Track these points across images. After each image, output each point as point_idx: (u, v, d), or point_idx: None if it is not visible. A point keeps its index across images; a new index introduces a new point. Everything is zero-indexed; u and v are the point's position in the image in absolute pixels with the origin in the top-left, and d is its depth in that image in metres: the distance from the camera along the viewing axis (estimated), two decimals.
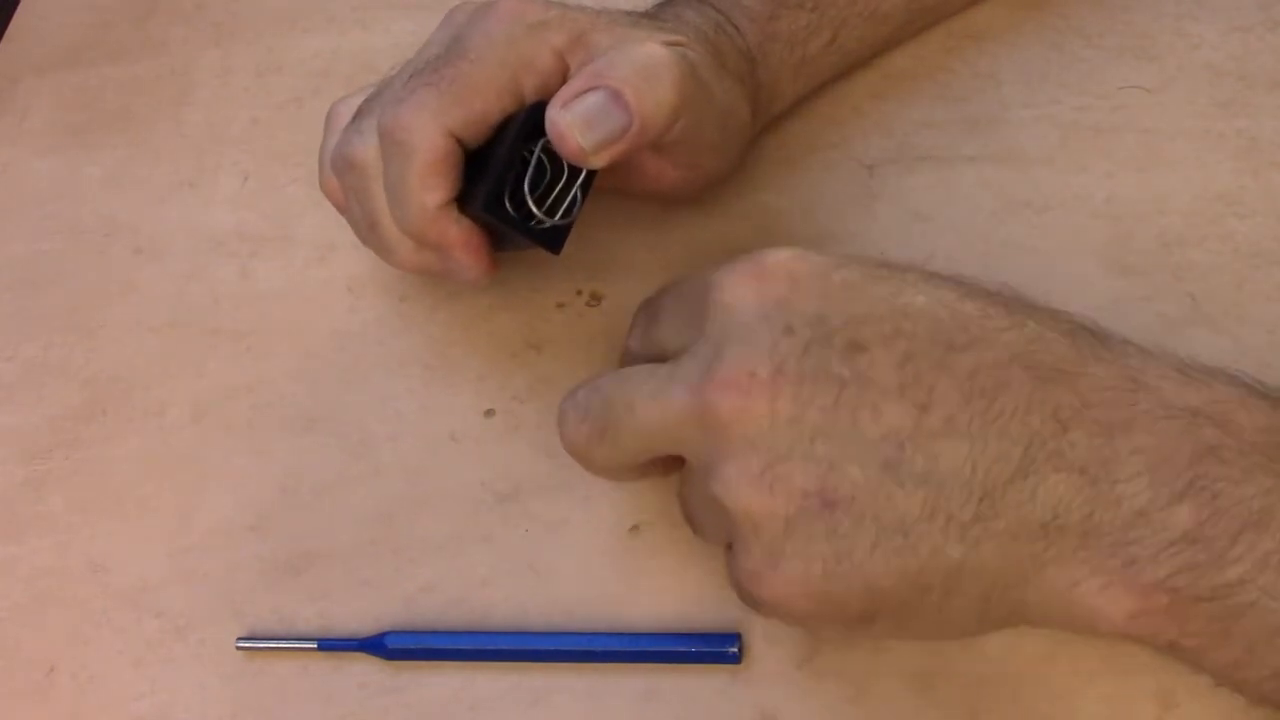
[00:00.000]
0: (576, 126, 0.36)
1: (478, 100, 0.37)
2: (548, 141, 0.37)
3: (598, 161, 0.37)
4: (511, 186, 0.38)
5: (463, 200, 0.38)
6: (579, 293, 0.46)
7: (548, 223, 0.38)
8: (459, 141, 0.38)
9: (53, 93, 0.57)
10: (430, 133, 0.37)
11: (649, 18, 0.42)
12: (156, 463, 0.44)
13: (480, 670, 0.38)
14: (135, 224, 0.51)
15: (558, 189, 0.38)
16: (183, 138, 0.54)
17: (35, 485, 0.44)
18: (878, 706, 0.36)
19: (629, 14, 0.41)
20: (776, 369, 0.29)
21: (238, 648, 0.39)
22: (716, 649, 0.37)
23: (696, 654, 0.37)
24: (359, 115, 0.40)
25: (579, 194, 0.38)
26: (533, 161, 0.38)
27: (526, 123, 0.38)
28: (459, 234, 0.39)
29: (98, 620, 0.41)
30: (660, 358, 0.33)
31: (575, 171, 0.38)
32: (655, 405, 0.31)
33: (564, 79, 0.38)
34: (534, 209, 0.38)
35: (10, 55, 0.59)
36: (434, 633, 0.39)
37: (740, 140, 0.45)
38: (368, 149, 0.39)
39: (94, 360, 0.47)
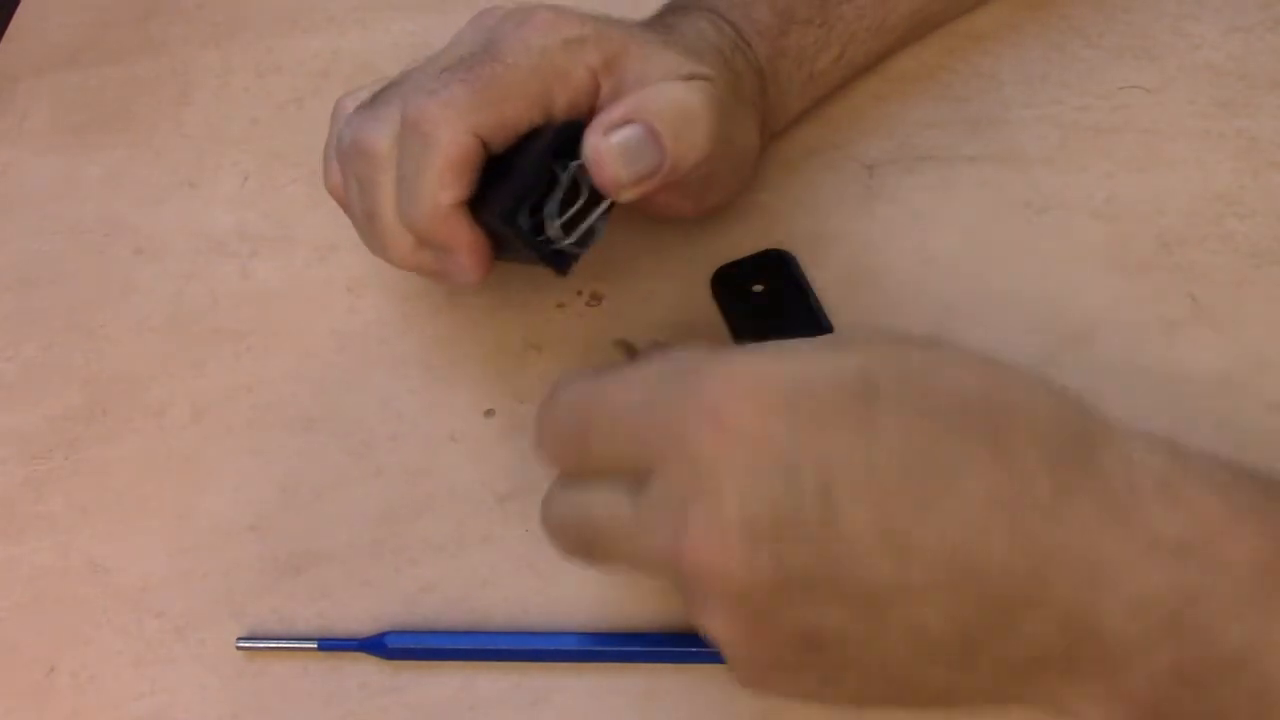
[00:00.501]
0: (617, 156, 0.36)
1: (509, 105, 0.37)
2: (576, 165, 0.37)
3: (628, 195, 0.37)
4: (531, 202, 0.37)
5: (476, 205, 0.38)
6: (579, 293, 0.46)
7: (560, 245, 0.38)
8: (483, 144, 0.37)
9: (53, 93, 0.57)
10: (457, 129, 0.36)
11: (676, 37, 0.41)
12: (156, 463, 0.44)
13: (480, 670, 0.38)
14: (135, 224, 0.51)
15: (572, 213, 0.38)
16: (183, 138, 0.54)
17: (35, 485, 0.44)
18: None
19: (659, 33, 0.41)
20: (749, 530, 0.27)
21: (238, 648, 0.39)
22: (717, 649, 0.37)
23: (696, 654, 0.37)
24: (376, 102, 0.39)
25: (598, 225, 0.38)
26: (563, 182, 0.37)
27: (556, 139, 0.37)
28: (466, 236, 0.38)
29: (98, 620, 0.41)
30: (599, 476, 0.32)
31: (596, 200, 0.38)
32: (630, 549, 0.31)
33: (595, 98, 0.38)
34: (551, 229, 0.37)
35: (10, 55, 0.59)
36: (434, 633, 0.39)
37: (750, 170, 0.45)
38: (381, 137, 0.38)
39: (94, 360, 0.47)
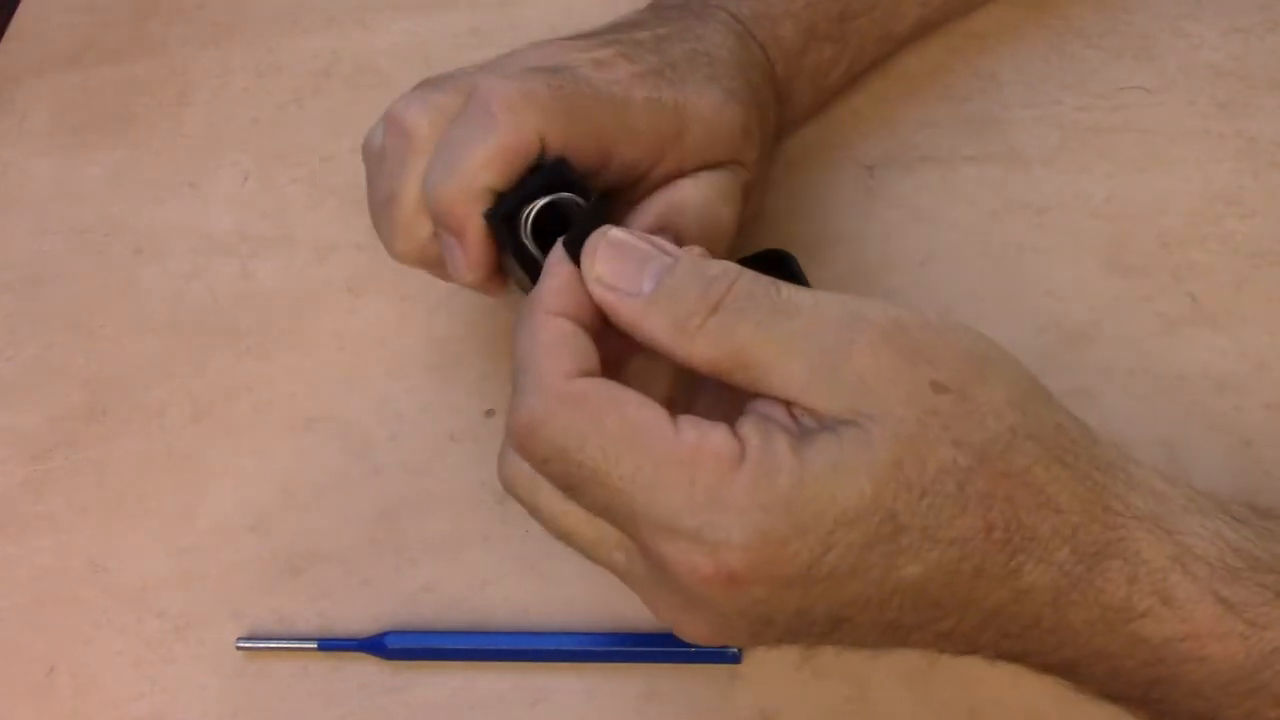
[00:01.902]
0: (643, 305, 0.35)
1: (586, 127, 0.35)
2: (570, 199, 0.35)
3: None
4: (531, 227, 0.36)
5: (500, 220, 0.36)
6: None
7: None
8: (541, 150, 0.35)
9: (53, 93, 0.57)
10: (526, 119, 0.35)
11: (714, 68, 0.40)
12: (156, 463, 0.44)
13: (480, 670, 0.38)
14: (135, 224, 0.51)
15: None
16: (183, 138, 0.54)
17: (35, 485, 0.44)
18: (877, 706, 0.36)
19: (695, 63, 0.40)
20: (755, 639, 0.30)
21: (238, 648, 0.39)
22: (716, 649, 0.37)
23: (696, 654, 0.37)
24: (438, 81, 0.38)
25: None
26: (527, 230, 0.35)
27: (551, 176, 0.35)
28: (478, 225, 0.36)
29: (98, 620, 0.41)
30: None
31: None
32: (639, 592, 0.31)
33: (650, 167, 0.37)
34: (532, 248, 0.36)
35: (10, 55, 0.59)
36: (434, 633, 0.39)
37: (759, 201, 0.44)
38: (423, 118, 0.36)
39: (94, 360, 0.47)
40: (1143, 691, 0.30)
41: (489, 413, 0.43)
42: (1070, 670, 0.31)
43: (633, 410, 0.28)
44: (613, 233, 0.31)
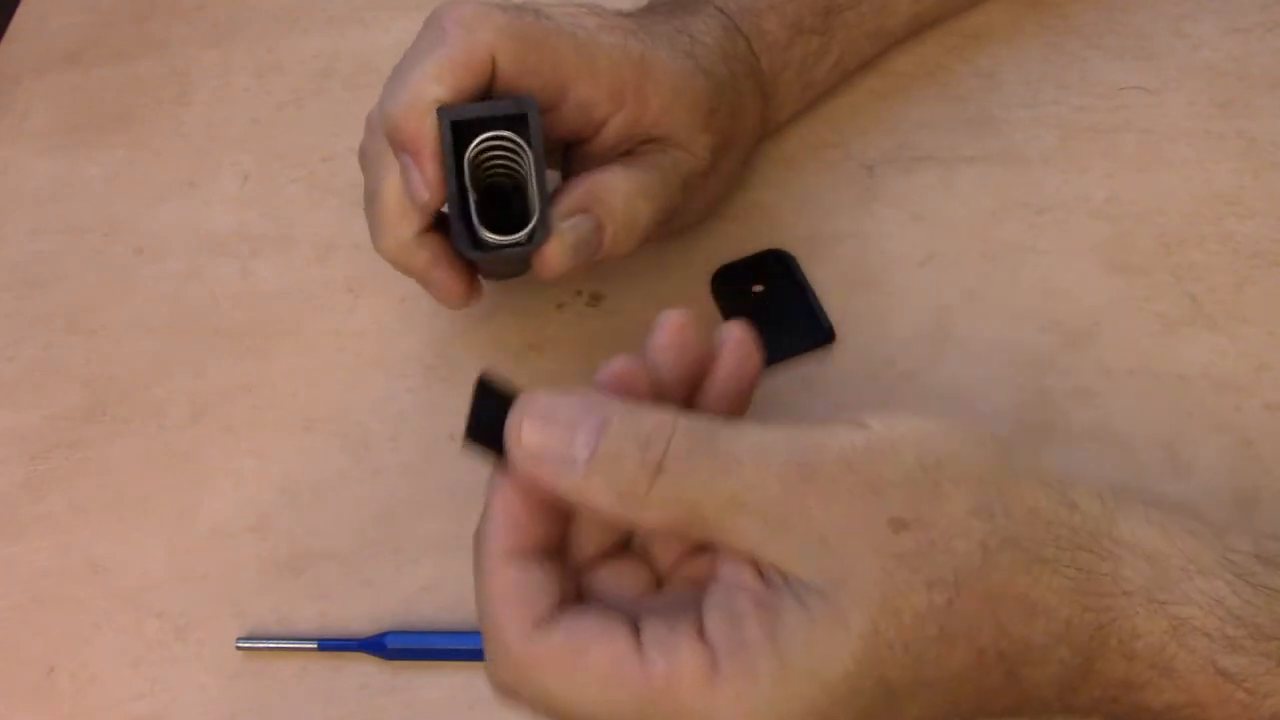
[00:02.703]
0: (567, 251, 0.36)
1: (540, 53, 0.36)
2: (484, 147, 0.35)
3: (562, 273, 0.37)
4: (474, 209, 0.35)
5: (447, 231, 0.37)
6: (579, 293, 0.46)
7: (522, 236, 0.36)
8: (493, 70, 0.35)
9: (53, 93, 0.57)
10: (477, 36, 0.35)
11: (694, 47, 0.41)
12: (156, 463, 0.44)
13: (480, 670, 0.38)
14: (135, 224, 0.51)
15: (516, 185, 0.37)
16: (183, 138, 0.54)
17: (35, 485, 0.44)
18: None
19: (675, 41, 0.40)
20: None
21: (238, 648, 0.39)
22: None
23: None
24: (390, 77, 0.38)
25: (534, 190, 0.36)
26: (469, 178, 0.35)
27: (448, 135, 0.35)
28: (433, 140, 0.35)
29: (98, 620, 0.41)
30: None
31: (523, 162, 0.36)
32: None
33: (607, 116, 0.38)
34: (489, 237, 0.35)
35: (10, 55, 0.59)
36: (434, 633, 0.39)
37: (730, 184, 0.45)
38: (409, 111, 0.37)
39: (94, 360, 0.47)
40: None
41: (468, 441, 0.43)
42: None
43: (597, 654, 0.27)
44: (536, 404, 0.29)
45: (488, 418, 0.29)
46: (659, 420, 0.28)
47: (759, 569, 0.28)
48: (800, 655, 0.26)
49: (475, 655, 0.38)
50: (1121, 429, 0.40)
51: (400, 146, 0.36)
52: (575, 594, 0.30)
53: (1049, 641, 0.28)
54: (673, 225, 0.43)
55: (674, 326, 0.32)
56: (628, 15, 0.41)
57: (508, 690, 0.29)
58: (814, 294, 0.44)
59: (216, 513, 0.43)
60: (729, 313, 0.44)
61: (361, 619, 0.40)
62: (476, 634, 0.38)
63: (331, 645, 0.39)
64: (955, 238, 0.45)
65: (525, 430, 0.28)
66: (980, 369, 0.42)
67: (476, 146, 0.35)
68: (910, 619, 0.27)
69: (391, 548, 0.41)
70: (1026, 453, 0.30)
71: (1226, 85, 0.48)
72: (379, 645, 0.38)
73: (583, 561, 0.31)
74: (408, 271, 0.40)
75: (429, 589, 0.40)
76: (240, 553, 0.42)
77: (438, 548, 0.41)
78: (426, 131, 0.35)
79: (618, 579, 0.31)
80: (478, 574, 0.30)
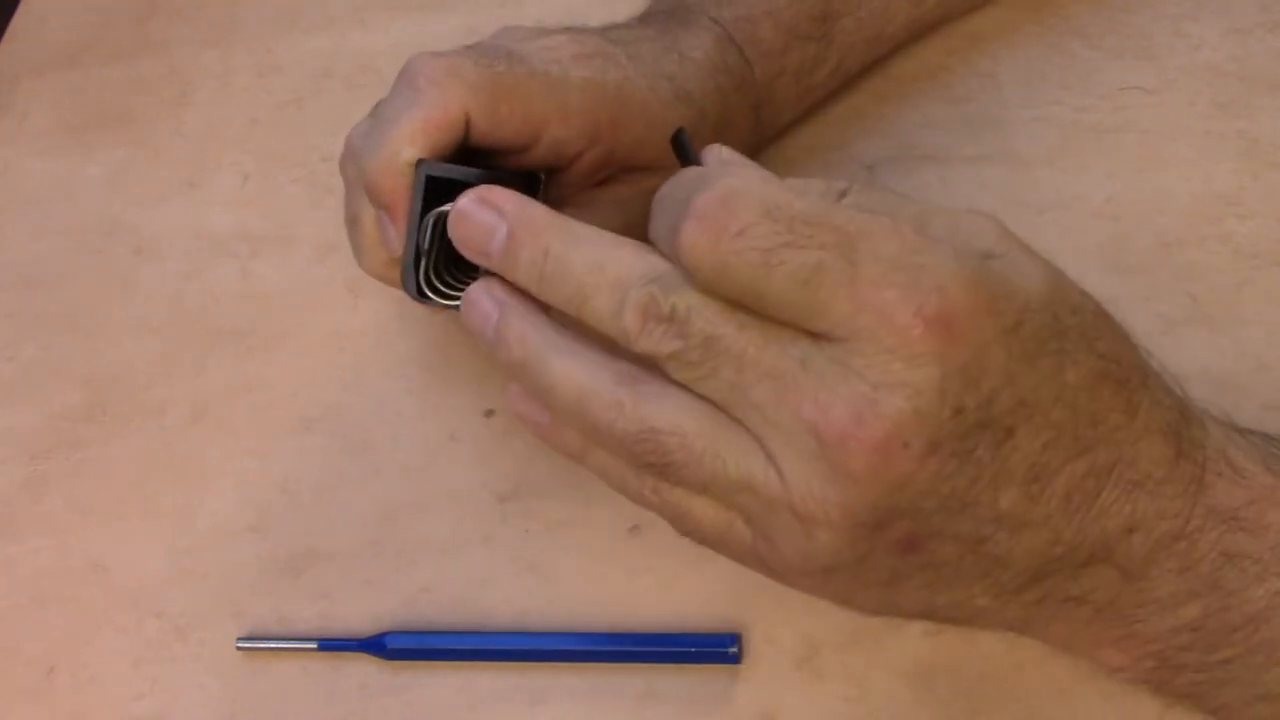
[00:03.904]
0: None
1: (513, 104, 0.36)
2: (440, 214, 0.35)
3: None
4: (426, 265, 0.35)
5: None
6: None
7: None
8: (467, 128, 0.36)
9: (53, 93, 0.57)
10: (450, 95, 0.35)
11: (676, 66, 0.41)
12: (156, 463, 0.44)
13: (480, 670, 0.38)
14: (135, 224, 0.51)
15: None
16: (183, 138, 0.54)
17: (35, 485, 0.44)
18: (878, 706, 0.36)
19: (660, 61, 0.40)
20: (932, 447, 0.26)
21: (238, 648, 0.39)
22: (716, 649, 0.37)
23: (696, 654, 0.37)
24: (373, 110, 0.39)
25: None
26: (429, 236, 0.35)
27: (421, 190, 0.35)
28: (406, 200, 0.36)
29: (98, 620, 0.41)
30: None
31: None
32: (781, 397, 0.27)
33: (580, 149, 0.38)
34: (435, 291, 0.36)
35: (10, 55, 0.59)
36: (434, 633, 0.39)
37: None
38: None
39: (94, 360, 0.47)
40: (1210, 582, 0.30)
41: (489, 413, 0.43)
42: (1146, 567, 0.30)
43: (821, 198, 0.28)
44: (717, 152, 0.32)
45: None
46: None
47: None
48: (1000, 263, 0.29)
49: (475, 655, 0.38)
50: None
51: (376, 203, 0.36)
52: None
53: (1157, 384, 0.30)
54: None
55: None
56: (614, 33, 0.40)
57: (722, 211, 0.27)
58: None
59: (216, 513, 0.43)
60: None
61: (361, 619, 0.40)
62: (476, 634, 0.39)
63: (331, 645, 0.39)
64: None
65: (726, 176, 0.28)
66: None
67: (443, 211, 0.35)
68: (1071, 298, 0.29)
69: (391, 548, 0.41)
70: None
71: (1226, 85, 0.48)
72: (379, 645, 0.38)
73: None
74: (394, 285, 0.40)
75: (429, 589, 0.40)
76: (240, 553, 0.42)
77: (438, 548, 0.41)
78: (400, 192, 0.35)
79: None
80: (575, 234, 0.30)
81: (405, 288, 0.36)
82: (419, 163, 0.35)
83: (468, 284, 0.34)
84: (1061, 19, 0.51)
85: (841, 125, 0.49)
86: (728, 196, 0.26)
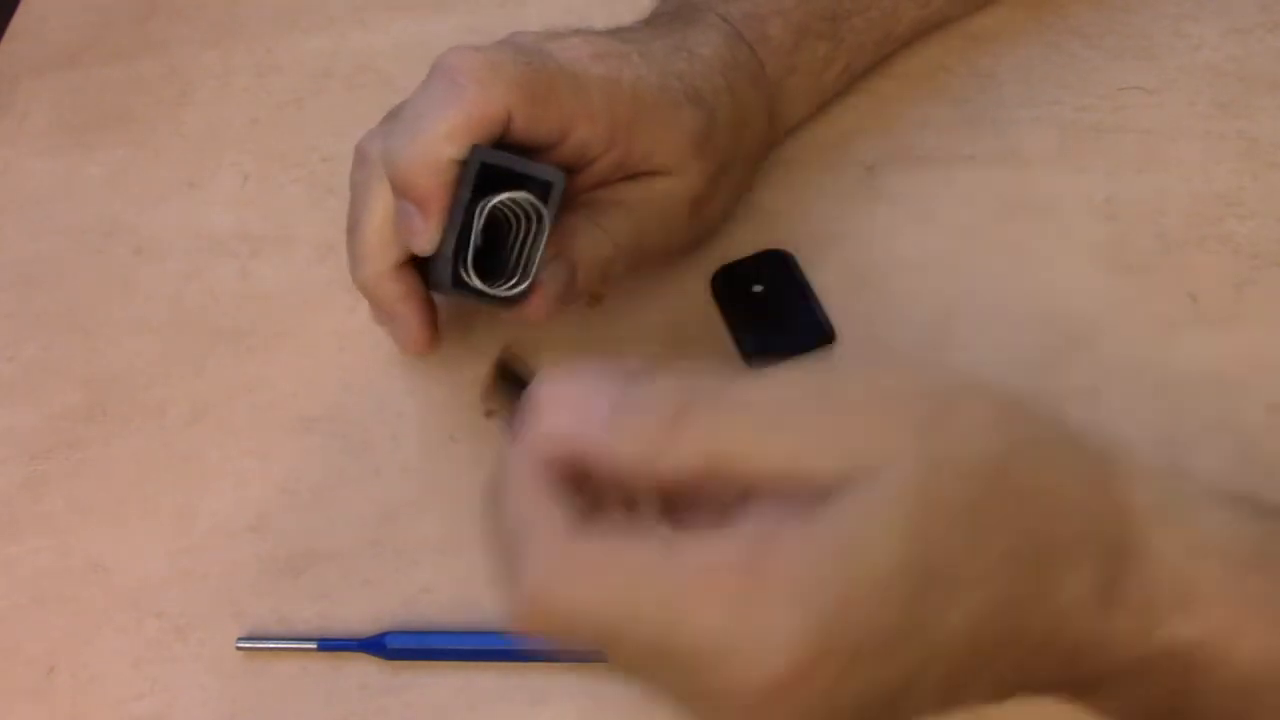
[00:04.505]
0: (549, 304, 0.38)
1: (552, 104, 0.36)
2: (503, 202, 0.36)
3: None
4: (472, 253, 0.36)
5: (426, 262, 0.38)
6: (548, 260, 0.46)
7: (509, 288, 0.37)
8: (506, 127, 0.36)
9: (53, 93, 0.57)
10: (493, 91, 0.35)
11: (686, 63, 0.41)
12: (156, 463, 0.44)
13: (480, 670, 0.38)
14: (135, 224, 0.51)
15: (515, 244, 0.37)
16: (183, 138, 0.54)
17: (35, 485, 0.44)
18: None
19: (669, 60, 0.40)
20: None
21: (238, 648, 0.39)
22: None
23: None
24: (388, 117, 0.39)
25: (536, 253, 0.37)
26: (487, 216, 0.36)
27: (473, 175, 0.35)
28: (441, 199, 0.36)
29: (98, 620, 0.41)
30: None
31: (533, 227, 0.37)
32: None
33: (600, 153, 0.38)
34: (472, 280, 0.36)
35: (10, 55, 0.59)
36: (434, 633, 0.39)
37: (743, 187, 0.45)
38: (378, 144, 0.38)
39: (94, 360, 0.47)
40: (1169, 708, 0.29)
41: (489, 413, 0.43)
42: (1112, 694, 0.30)
43: (632, 552, 0.26)
44: (557, 371, 0.29)
45: (507, 391, 0.30)
46: (678, 374, 0.28)
47: (789, 496, 0.27)
48: (843, 536, 0.25)
49: (475, 655, 0.38)
50: (1121, 429, 0.40)
51: (407, 197, 0.36)
52: None
53: (1076, 544, 0.28)
54: (678, 245, 0.43)
55: None
56: (623, 34, 0.41)
57: (535, 606, 0.27)
58: (814, 294, 0.44)
59: (216, 513, 0.43)
60: (729, 313, 0.44)
61: (361, 619, 0.40)
62: (477, 634, 0.39)
63: (331, 645, 0.39)
64: (955, 238, 0.45)
65: (546, 405, 0.28)
66: (980, 369, 0.42)
67: (500, 200, 0.35)
68: (944, 511, 0.26)
69: (391, 548, 0.41)
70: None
71: (1226, 85, 0.48)
72: (379, 645, 0.38)
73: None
74: (378, 303, 0.41)
75: (429, 589, 0.40)
76: (240, 553, 0.42)
77: (438, 548, 0.41)
78: (439, 189, 0.35)
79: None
80: (494, 505, 0.29)
81: (434, 280, 0.37)
82: (474, 148, 0.35)
83: (498, 273, 0.36)
84: (1061, 19, 0.51)
85: (841, 125, 0.49)
86: (535, 603, 0.27)
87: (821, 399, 0.27)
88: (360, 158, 0.39)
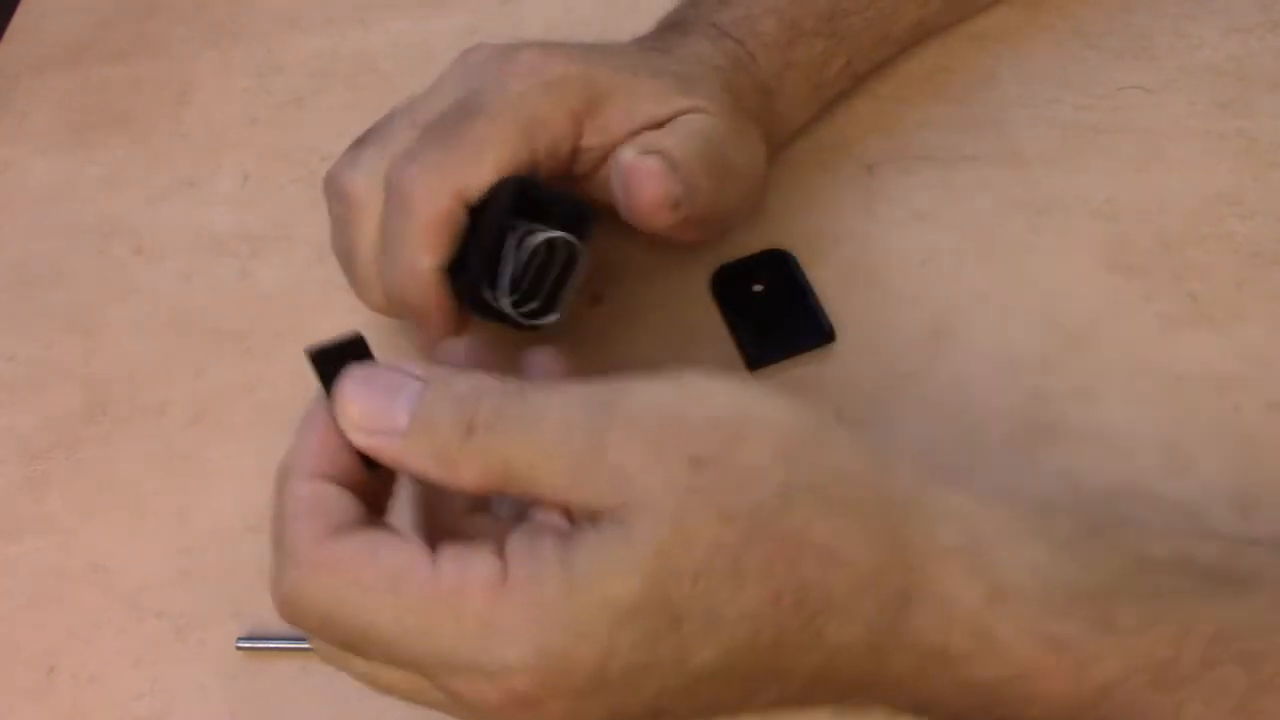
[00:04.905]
0: (660, 172, 0.36)
1: (489, 157, 0.36)
2: (542, 240, 0.36)
3: (665, 219, 0.37)
4: (493, 278, 0.37)
5: (453, 274, 0.37)
6: (578, 293, 0.46)
7: (536, 317, 0.37)
8: (465, 205, 0.37)
9: (53, 93, 0.57)
10: (436, 195, 0.36)
11: (669, 63, 0.41)
12: (156, 463, 0.44)
13: None
14: (135, 224, 0.51)
15: (549, 277, 0.37)
16: (183, 138, 0.54)
17: (35, 485, 0.44)
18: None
19: (652, 58, 0.41)
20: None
21: (238, 648, 0.39)
22: None
23: None
24: (358, 144, 0.40)
25: (569, 289, 0.38)
26: (531, 250, 0.36)
27: (509, 202, 0.36)
28: (440, 300, 0.38)
29: (98, 620, 0.41)
30: None
31: (567, 262, 0.37)
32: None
33: (576, 141, 0.38)
34: (504, 305, 0.37)
35: (10, 55, 0.59)
36: None
37: (758, 190, 0.44)
38: (358, 182, 0.38)
39: (94, 360, 0.47)
40: None
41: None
42: (922, 712, 0.30)
43: (387, 558, 0.27)
44: (356, 370, 0.31)
45: (338, 359, 0.32)
46: (474, 383, 0.29)
47: (569, 515, 0.28)
48: (587, 570, 0.26)
49: None
50: (1121, 429, 0.40)
51: (408, 315, 0.38)
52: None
53: (853, 595, 0.27)
54: (722, 213, 0.42)
55: (541, 365, 0.34)
56: (600, 45, 0.41)
57: (288, 603, 0.28)
58: (814, 294, 0.44)
59: (216, 513, 0.43)
60: (729, 312, 0.44)
61: None
62: None
63: None
64: (955, 238, 0.45)
65: (348, 399, 0.30)
66: (980, 369, 0.42)
67: (531, 238, 0.36)
68: (700, 550, 0.26)
69: None
70: (847, 428, 0.30)
71: (1226, 85, 0.48)
72: None
73: (456, 510, 0.32)
74: (390, 314, 0.41)
75: None
76: (240, 553, 0.42)
77: None
78: (432, 295, 0.37)
79: (485, 528, 0.32)
80: (276, 496, 0.30)
81: (463, 296, 0.37)
82: (501, 182, 0.36)
83: (525, 297, 0.37)
84: (1061, 18, 0.51)
85: (841, 125, 0.49)
86: (288, 600, 0.28)
87: (604, 428, 0.28)
88: (336, 194, 0.39)
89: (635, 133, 0.39)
